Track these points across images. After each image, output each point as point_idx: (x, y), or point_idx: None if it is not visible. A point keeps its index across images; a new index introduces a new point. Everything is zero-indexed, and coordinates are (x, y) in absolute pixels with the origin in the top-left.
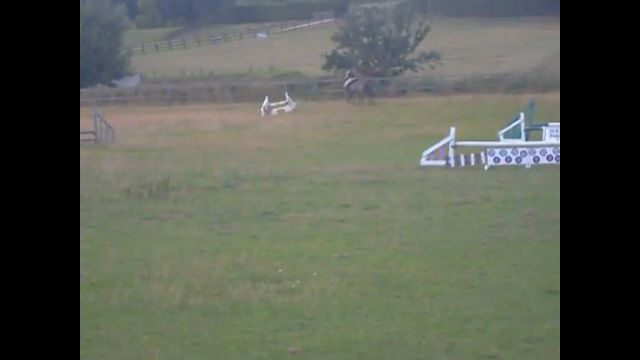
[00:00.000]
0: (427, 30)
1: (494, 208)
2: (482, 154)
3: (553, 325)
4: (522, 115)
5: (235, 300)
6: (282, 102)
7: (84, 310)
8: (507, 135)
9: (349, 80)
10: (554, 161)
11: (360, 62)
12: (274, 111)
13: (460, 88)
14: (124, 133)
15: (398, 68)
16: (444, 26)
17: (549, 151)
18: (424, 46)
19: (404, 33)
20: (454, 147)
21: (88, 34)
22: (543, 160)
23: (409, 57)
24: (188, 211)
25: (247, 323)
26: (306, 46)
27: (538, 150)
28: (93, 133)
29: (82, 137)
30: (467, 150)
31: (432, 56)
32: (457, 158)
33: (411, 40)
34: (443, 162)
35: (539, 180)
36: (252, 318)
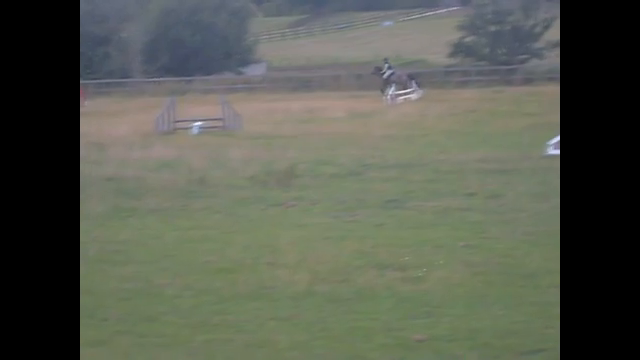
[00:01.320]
0: (554, 18)
1: None
2: None
3: None
4: None
5: (360, 287)
6: (408, 90)
7: (212, 295)
8: None
9: (389, 71)
10: None
11: (487, 50)
12: (400, 99)
13: None
14: (251, 120)
15: (525, 57)
16: None
17: None
18: (551, 35)
19: (531, 21)
20: None
21: (215, 22)
22: None
23: (536, 45)
24: (313, 198)
25: (372, 310)
26: (432, 34)
27: None
28: (221, 120)
29: (210, 124)
30: None
31: (559, 44)
32: None
33: (538, 29)
34: None
35: None
36: (377, 305)
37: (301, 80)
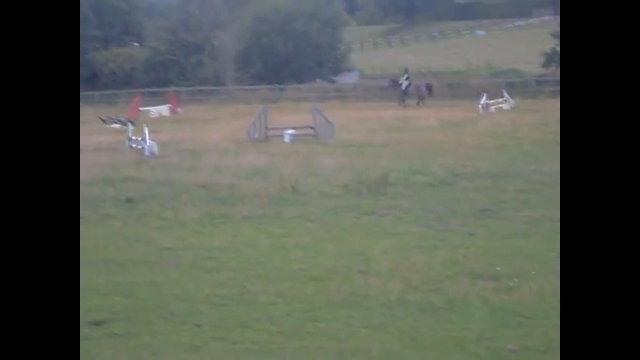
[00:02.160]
0: None
1: None
2: None
3: None
4: None
5: (453, 297)
6: (500, 99)
7: (304, 302)
8: None
9: (407, 83)
10: None
11: None
12: (492, 108)
13: None
14: (343, 129)
15: None
16: None
17: None
18: None
19: None
20: None
21: (308, 30)
22: None
23: None
24: (406, 207)
25: (465, 320)
26: (524, 44)
27: None
28: (313, 128)
29: (301, 132)
30: None
31: None
32: None
33: None
34: None
35: None
36: (470, 315)
37: None
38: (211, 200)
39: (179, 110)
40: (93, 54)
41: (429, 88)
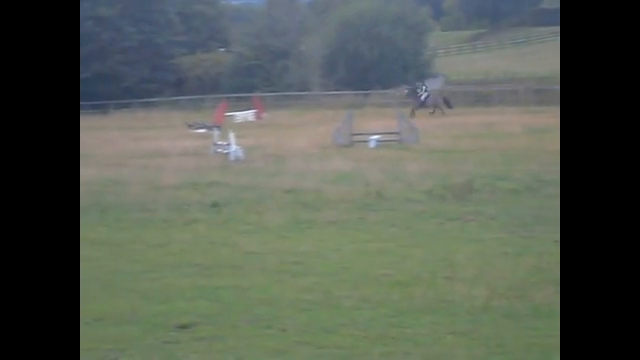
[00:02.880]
0: None
1: None
2: None
3: None
4: None
5: (538, 304)
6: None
7: (389, 308)
8: None
9: (426, 94)
10: None
11: None
12: None
13: None
14: (427, 134)
15: None
16: None
17: None
18: None
19: None
20: None
21: (394, 35)
22: None
23: None
24: (491, 213)
25: (550, 327)
26: None
27: None
28: (397, 134)
29: (386, 137)
30: None
31: None
32: None
33: None
34: None
35: None
36: (555, 322)
37: (478, 94)
38: (296, 205)
39: (264, 115)
40: (179, 59)
41: (446, 101)
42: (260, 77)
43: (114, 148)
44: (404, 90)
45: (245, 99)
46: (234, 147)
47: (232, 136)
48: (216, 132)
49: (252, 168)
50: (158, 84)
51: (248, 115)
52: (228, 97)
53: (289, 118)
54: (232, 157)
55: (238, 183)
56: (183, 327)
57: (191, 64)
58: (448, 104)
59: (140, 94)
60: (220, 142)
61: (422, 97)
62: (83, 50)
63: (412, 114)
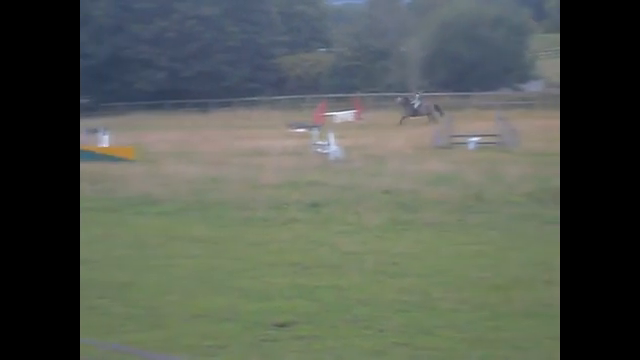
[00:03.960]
0: None
1: None
2: None
3: None
4: None
5: None
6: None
7: (487, 310)
8: None
9: (419, 102)
10: None
11: None
12: None
13: None
14: (528, 137)
15: None
16: None
17: None
18: None
19: None
20: None
21: (494, 37)
22: None
23: None
24: None
25: None
26: None
27: None
28: (497, 136)
29: (486, 140)
30: None
31: None
32: None
33: None
34: None
35: None
36: None
37: None
38: (394, 206)
39: (363, 116)
40: (280, 59)
41: (437, 108)
42: (360, 77)
43: (215, 146)
44: (397, 99)
45: (344, 99)
46: (333, 147)
47: (331, 136)
48: (316, 132)
49: (351, 168)
50: (259, 83)
51: (347, 115)
52: (328, 97)
53: (388, 119)
54: (331, 157)
55: (337, 183)
56: (281, 326)
57: (292, 64)
58: (439, 111)
59: (241, 93)
60: (319, 142)
61: (415, 105)
62: (186, 49)
63: (401, 122)
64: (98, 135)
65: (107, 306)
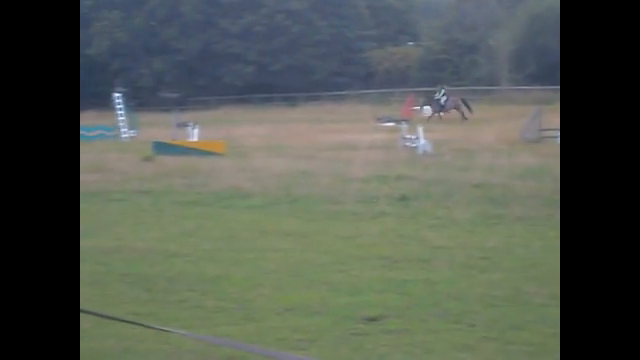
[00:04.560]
0: None
1: None
2: None
3: None
4: None
5: None
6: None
7: None
8: None
9: (445, 97)
10: None
11: None
12: None
13: None
14: None
15: None
16: None
17: None
18: None
19: None
20: None
21: None
22: None
23: None
24: None
25: None
26: None
27: None
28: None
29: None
30: None
31: None
32: None
33: None
34: None
35: None
36: None
37: None
38: (484, 200)
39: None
40: (369, 53)
41: (465, 103)
42: (448, 71)
43: (304, 140)
44: (419, 99)
45: (433, 93)
46: (422, 141)
47: (420, 130)
48: (404, 126)
49: (440, 162)
50: (347, 77)
51: None
52: (416, 91)
53: (477, 113)
54: (420, 151)
55: (426, 177)
56: (372, 319)
57: (380, 58)
58: (467, 106)
59: (329, 87)
60: (408, 136)
61: (442, 101)
62: (274, 43)
63: (431, 118)
64: (188, 129)
65: (198, 299)
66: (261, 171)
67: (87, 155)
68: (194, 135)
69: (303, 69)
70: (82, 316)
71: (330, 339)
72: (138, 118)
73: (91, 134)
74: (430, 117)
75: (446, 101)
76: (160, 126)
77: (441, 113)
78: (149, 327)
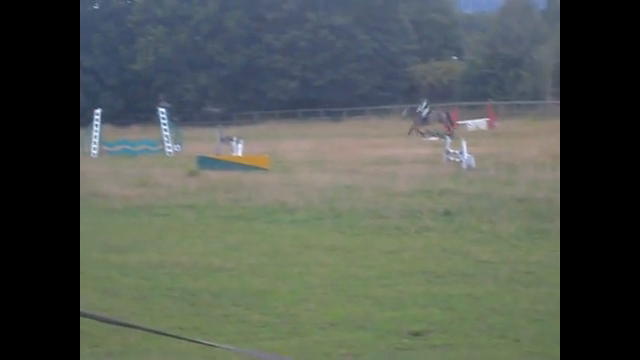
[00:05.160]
0: None
1: None
2: None
3: None
4: None
5: None
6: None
7: None
8: None
9: (427, 110)
10: None
11: None
12: None
13: None
14: None
15: None
16: None
17: None
18: None
19: None
20: None
21: None
22: None
23: None
24: None
25: None
26: None
27: None
28: None
29: None
30: None
31: None
32: None
33: None
34: None
35: None
36: None
37: None
38: (528, 214)
39: (496, 124)
40: (412, 67)
41: (449, 117)
42: (492, 85)
43: (348, 155)
44: (402, 111)
45: (477, 107)
46: (466, 155)
47: (464, 144)
48: (448, 140)
49: (484, 176)
50: (391, 92)
51: (480, 123)
52: (460, 105)
53: (521, 127)
54: (464, 165)
55: (470, 191)
56: (416, 334)
57: (423, 72)
58: (450, 120)
59: (373, 101)
60: (452, 150)
61: (423, 114)
62: (318, 58)
63: (412, 132)
64: (232, 144)
65: (243, 314)
66: (305, 186)
67: (132, 170)
68: (238, 150)
69: (347, 84)
70: (128, 331)
71: (374, 354)
72: (182, 133)
73: (135, 149)
74: (410, 131)
75: (428, 114)
76: (204, 141)
77: (422, 127)
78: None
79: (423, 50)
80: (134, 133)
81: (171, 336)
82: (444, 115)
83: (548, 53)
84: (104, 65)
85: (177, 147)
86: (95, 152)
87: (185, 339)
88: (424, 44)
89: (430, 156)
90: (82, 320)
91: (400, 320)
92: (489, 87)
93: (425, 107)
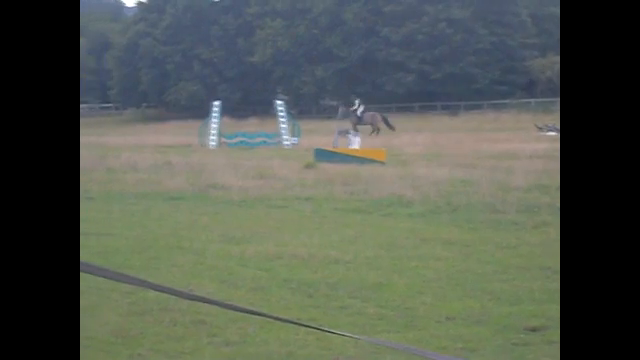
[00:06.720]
0: None
1: None
2: None
3: None
4: None
5: None
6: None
7: None
8: None
9: (361, 109)
10: None
11: None
12: None
13: None
14: None
15: None
16: None
17: None
18: None
19: None
20: None
21: None
22: None
23: None
24: None
25: None
26: None
27: None
28: None
29: None
30: None
31: None
32: None
33: None
34: None
35: None
36: None
37: None
38: None
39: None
40: (531, 62)
41: (386, 121)
42: None
43: (465, 149)
44: (339, 109)
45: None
46: None
47: None
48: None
49: None
50: (508, 86)
51: None
52: None
53: None
54: None
55: None
56: (533, 330)
57: (542, 66)
58: (388, 124)
59: (491, 96)
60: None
61: (358, 112)
62: (436, 51)
63: (353, 129)
64: (349, 137)
65: (359, 306)
66: (422, 179)
67: (250, 162)
68: (355, 143)
69: (464, 78)
70: (247, 320)
71: (491, 349)
72: (299, 125)
73: (253, 141)
74: (353, 128)
75: (362, 113)
76: (321, 133)
77: (357, 126)
78: (306, 326)
79: (542, 44)
80: (252, 125)
81: (286, 321)
82: (379, 117)
83: None
84: (222, 57)
85: (294, 140)
86: (214, 144)
87: (302, 325)
88: (543, 38)
89: (548, 151)
90: (201, 310)
91: (517, 315)
92: None
93: (359, 105)
